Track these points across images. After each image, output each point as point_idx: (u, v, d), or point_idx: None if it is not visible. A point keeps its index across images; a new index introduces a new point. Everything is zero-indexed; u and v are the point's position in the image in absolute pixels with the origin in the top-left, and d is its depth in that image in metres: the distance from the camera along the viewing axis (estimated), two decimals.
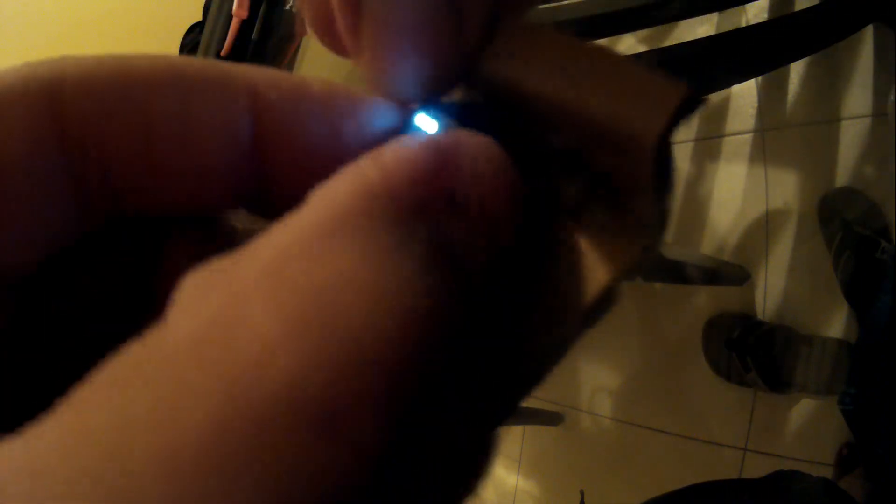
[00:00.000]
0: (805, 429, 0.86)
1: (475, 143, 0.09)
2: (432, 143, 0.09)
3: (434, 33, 0.10)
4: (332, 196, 0.08)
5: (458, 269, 0.08)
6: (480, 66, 0.12)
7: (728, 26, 0.99)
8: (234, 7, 0.71)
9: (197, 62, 0.10)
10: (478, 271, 0.09)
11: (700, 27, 1.01)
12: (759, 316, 0.93)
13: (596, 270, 0.12)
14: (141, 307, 0.11)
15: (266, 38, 0.75)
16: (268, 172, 0.11)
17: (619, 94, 0.11)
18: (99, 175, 0.10)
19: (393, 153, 0.09)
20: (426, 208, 0.08)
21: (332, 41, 0.11)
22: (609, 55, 0.12)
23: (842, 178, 0.86)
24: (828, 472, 0.79)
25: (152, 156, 0.10)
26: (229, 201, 0.11)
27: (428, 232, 0.08)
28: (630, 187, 0.12)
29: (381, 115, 0.11)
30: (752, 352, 0.89)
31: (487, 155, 0.09)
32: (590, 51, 0.12)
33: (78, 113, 0.09)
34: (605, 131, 0.11)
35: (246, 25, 0.72)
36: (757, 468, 0.90)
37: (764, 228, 0.94)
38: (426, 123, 0.12)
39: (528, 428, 1.28)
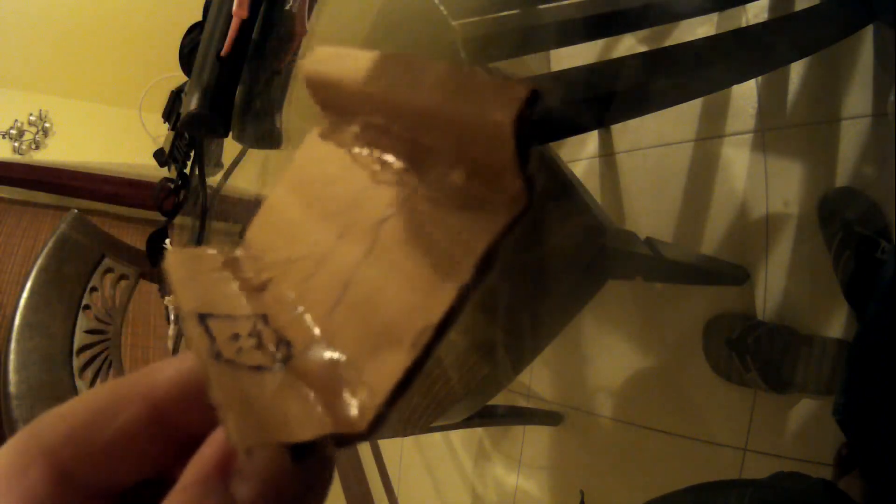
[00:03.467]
0: (805, 429, 0.86)
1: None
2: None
3: None
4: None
5: None
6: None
7: (728, 26, 0.99)
8: (234, 7, 0.70)
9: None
10: None
11: (700, 27, 1.01)
12: (759, 316, 0.93)
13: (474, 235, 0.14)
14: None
15: (266, 38, 0.75)
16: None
17: (472, 96, 0.14)
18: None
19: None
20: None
21: None
22: (442, 65, 0.15)
23: (842, 178, 0.86)
24: (828, 473, 0.79)
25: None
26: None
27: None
28: (495, 167, 0.14)
29: None
30: (752, 352, 0.89)
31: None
32: (424, 64, 0.16)
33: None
34: (466, 125, 0.14)
35: (246, 25, 0.72)
36: (757, 468, 0.90)
37: (764, 228, 0.94)
38: None
39: (528, 428, 1.28)
